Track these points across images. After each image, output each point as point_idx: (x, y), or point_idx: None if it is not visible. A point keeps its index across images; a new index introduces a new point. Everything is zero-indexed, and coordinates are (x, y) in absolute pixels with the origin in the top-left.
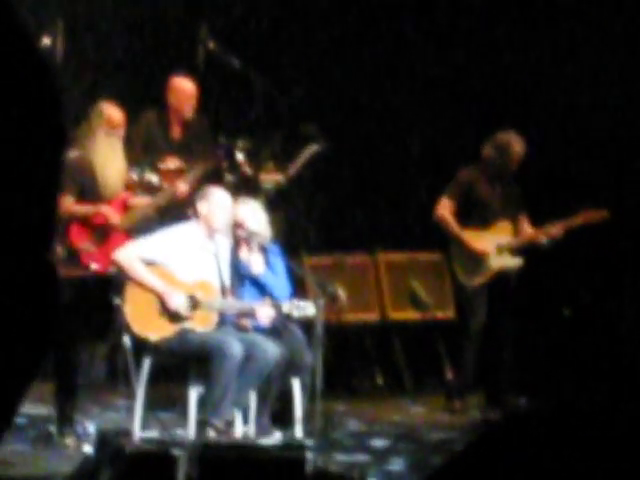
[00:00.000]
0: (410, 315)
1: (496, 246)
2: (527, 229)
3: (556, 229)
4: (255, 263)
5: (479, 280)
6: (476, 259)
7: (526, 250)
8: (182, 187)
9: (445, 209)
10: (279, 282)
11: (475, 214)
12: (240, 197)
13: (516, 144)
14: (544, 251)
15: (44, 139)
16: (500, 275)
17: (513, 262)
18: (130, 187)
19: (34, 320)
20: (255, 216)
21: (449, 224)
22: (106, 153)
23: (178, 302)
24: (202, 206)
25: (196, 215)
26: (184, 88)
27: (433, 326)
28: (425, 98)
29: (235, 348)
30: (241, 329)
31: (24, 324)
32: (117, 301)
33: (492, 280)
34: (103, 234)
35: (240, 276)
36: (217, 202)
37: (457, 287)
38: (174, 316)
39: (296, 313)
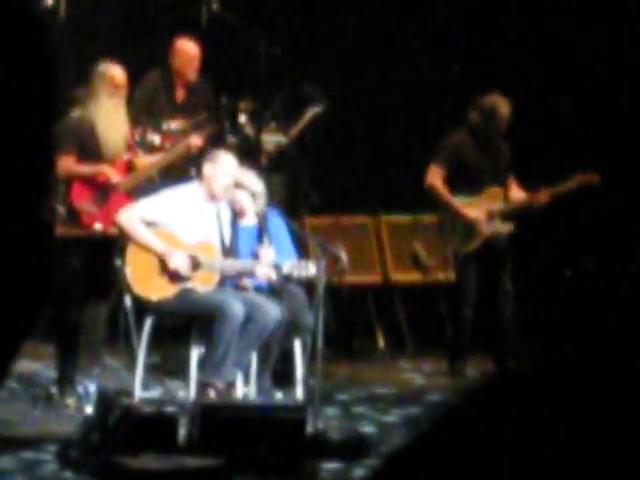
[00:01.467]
0: (412, 277)
1: (487, 212)
2: (517, 194)
3: (545, 195)
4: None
5: (471, 246)
6: (468, 226)
7: (517, 215)
8: (196, 140)
9: (435, 177)
10: (283, 247)
11: (465, 180)
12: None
13: (502, 106)
14: (535, 215)
15: (38, 95)
16: (491, 240)
17: (504, 227)
18: (132, 147)
19: (29, 278)
20: (253, 181)
21: (440, 192)
22: (109, 114)
23: (179, 262)
24: (207, 168)
25: (199, 176)
26: (187, 50)
27: (435, 288)
28: (425, 60)
29: (236, 309)
30: (241, 289)
31: (19, 282)
32: (118, 262)
33: (484, 245)
34: (104, 194)
35: (240, 238)
36: (222, 166)
37: (452, 254)
38: (175, 276)
39: (296, 273)
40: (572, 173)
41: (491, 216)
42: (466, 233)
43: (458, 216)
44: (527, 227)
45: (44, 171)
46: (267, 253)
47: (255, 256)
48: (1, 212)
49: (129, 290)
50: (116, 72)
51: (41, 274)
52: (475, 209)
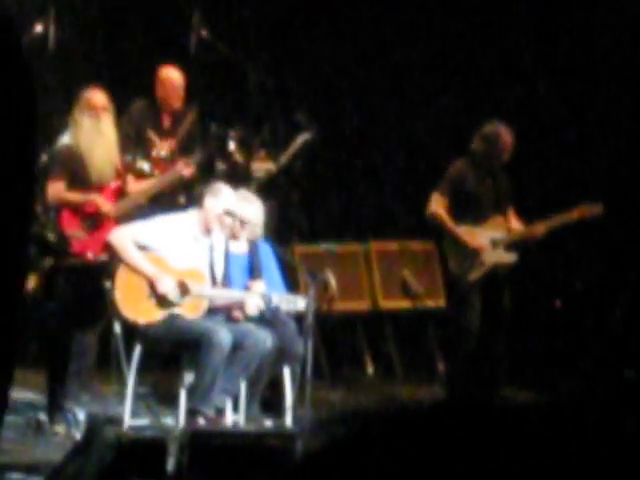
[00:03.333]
0: (401, 304)
1: (491, 241)
2: (516, 223)
3: (541, 228)
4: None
5: (475, 275)
6: (471, 254)
7: (519, 245)
8: (188, 169)
9: (438, 205)
10: (273, 279)
11: (467, 209)
12: (237, 187)
13: (505, 134)
14: (534, 245)
15: (17, 126)
16: (493, 270)
17: (508, 257)
18: (122, 175)
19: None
20: (250, 207)
21: (443, 220)
22: (91, 138)
23: (167, 287)
24: (208, 200)
25: (199, 207)
26: (171, 79)
27: (424, 315)
28: (417, 88)
29: (223, 336)
30: (232, 320)
31: None
32: (107, 285)
33: (486, 276)
34: (94, 221)
35: (231, 267)
36: (224, 201)
37: (451, 282)
38: (163, 301)
39: (285, 306)
40: (574, 204)
41: (495, 245)
42: (469, 262)
43: (462, 244)
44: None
45: (27, 206)
46: (258, 287)
47: (246, 288)
48: None
49: (117, 314)
50: (94, 95)
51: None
52: (479, 237)
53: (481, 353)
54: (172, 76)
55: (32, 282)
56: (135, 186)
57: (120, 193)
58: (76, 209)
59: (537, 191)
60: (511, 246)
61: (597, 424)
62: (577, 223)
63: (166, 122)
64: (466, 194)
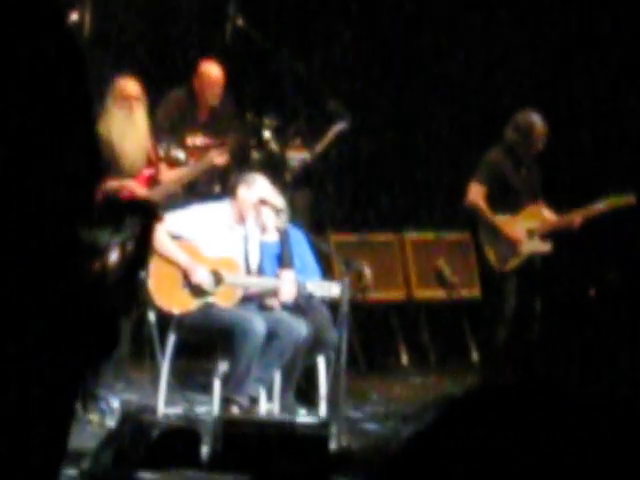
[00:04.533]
0: (436, 294)
1: (527, 231)
2: (548, 213)
3: (577, 217)
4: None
5: (511, 265)
6: (508, 244)
7: (555, 234)
8: (220, 157)
9: (476, 195)
10: (306, 265)
11: (505, 198)
12: (272, 176)
13: (538, 124)
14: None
15: (73, 117)
16: (529, 259)
17: (544, 247)
18: (156, 163)
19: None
20: (276, 197)
21: (482, 210)
22: (122, 127)
23: (202, 276)
24: (242, 190)
25: (232, 196)
26: (210, 74)
27: (459, 305)
28: (452, 80)
29: (258, 325)
30: (267, 309)
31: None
32: (141, 275)
33: (521, 265)
34: None
35: (264, 256)
36: (258, 190)
37: (486, 271)
38: (197, 291)
39: (319, 293)
40: (606, 193)
41: (531, 235)
42: (506, 251)
43: (498, 234)
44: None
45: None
46: (287, 275)
47: (276, 277)
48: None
49: (151, 303)
50: (126, 84)
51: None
52: (516, 227)
53: (515, 342)
54: (211, 72)
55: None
56: (168, 174)
57: (153, 181)
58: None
59: (567, 181)
60: (546, 236)
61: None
62: (610, 213)
63: (202, 116)
64: (503, 183)
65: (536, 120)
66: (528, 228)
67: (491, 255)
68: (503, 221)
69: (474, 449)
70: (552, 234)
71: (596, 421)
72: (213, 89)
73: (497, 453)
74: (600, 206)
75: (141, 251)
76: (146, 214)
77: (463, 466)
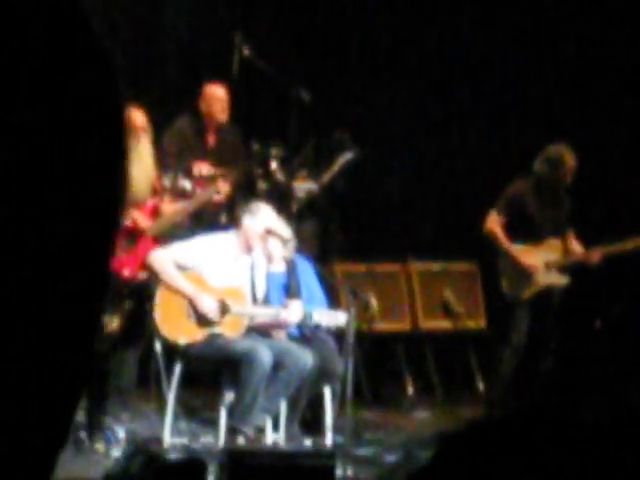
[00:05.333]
0: (442, 324)
1: (545, 263)
2: (575, 247)
3: (597, 255)
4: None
5: (525, 295)
6: (524, 274)
7: (574, 269)
8: (221, 188)
9: (494, 223)
10: (313, 294)
11: (524, 229)
12: (279, 207)
13: (568, 157)
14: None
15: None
16: (545, 291)
17: (560, 280)
18: (162, 193)
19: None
20: (283, 227)
21: (498, 238)
22: (129, 159)
23: (208, 305)
24: (247, 219)
25: (237, 226)
26: (215, 93)
27: (465, 336)
28: (461, 108)
29: (264, 355)
30: (273, 339)
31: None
32: (147, 306)
33: (537, 296)
34: (132, 240)
35: (270, 286)
36: (262, 219)
37: (499, 300)
38: (203, 320)
39: (326, 322)
40: (631, 234)
41: (548, 267)
42: (521, 281)
43: (515, 262)
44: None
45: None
46: (294, 306)
47: (284, 306)
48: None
49: (158, 334)
50: (134, 115)
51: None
52: (533, 258)
53: (526, 372)
54: (216, 91)
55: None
56: (169, 206)
57: (157, 212)
58: None
59: (598, 215)
60: (564, 269)
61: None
62: (633, 253)
63: (211, 139)
64: (524, 215)
65: (566, 153)
66: (546, 260)
67: (507, 284)
68: (521, 250)
69: None
70: (571, 268)
71: (600, 453)
72: (220, 106)
73: None
74: (624, 245)
75: (137, 326)
76: (141, 296)
77: None
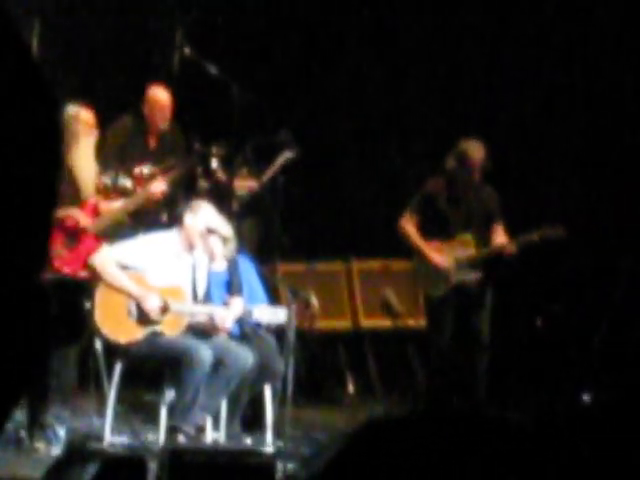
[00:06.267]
0: (382, 323)
1: (455, 260)
2: (500, 239)
3: (511, 246)
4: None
5: (439, 292)
6: (436, 271)
7: (489, 263)
8: (156, 188)
9: (407, 222)
10: (254, 293)
11: (436, 227)
12: (220, 205)
13: (474, 151)
14: (507, 264)
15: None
16: (461, 288)
17: (471, 276)
18: (103, 192)
19: (23, 340)
20: (224, 225)
21: (410, 237)
22: (87, 156)
23: (153, 304)
24: (188, 218)
25: (179, 225)
26: (159, 99)
27: (405, 334)
28: (406, 105)
29: (204, 354)
30: (213, 337)
31: (14, 343)
32: (87, 305)
33: (454, 292)
34: (74, 238)
35: (211, 284)
36: (203, 218)
37: (425, 299)
38: (143, 319)
39: (266, 318)
40: (539, 224)
41: (458, 263)
42: (434, 279)
43: (427, 261)
44: (498, 275)
45: (46, 232)
46: (236, 303)
47: (225, 305)
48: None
49: (98, 333)
50: (88, 114)
51: (35, 335)
52: (444, 255)
53: (460, 372)
54: (160, 97)
55: None
56: (110, 205)
57: (97, 210)
58: (55, 225)
59: (520, 206)
60: (476, 264)
61: (555, 445)
62: (541, 244)
63: (152, 141)
64: (435, 212)
65: (472, 147)
66: (456, 257)
67: (421, 282)
68: (432, 248)
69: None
70: (483, 262)
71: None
72: (162, 112)
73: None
74: (533, 236)
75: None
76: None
77: None
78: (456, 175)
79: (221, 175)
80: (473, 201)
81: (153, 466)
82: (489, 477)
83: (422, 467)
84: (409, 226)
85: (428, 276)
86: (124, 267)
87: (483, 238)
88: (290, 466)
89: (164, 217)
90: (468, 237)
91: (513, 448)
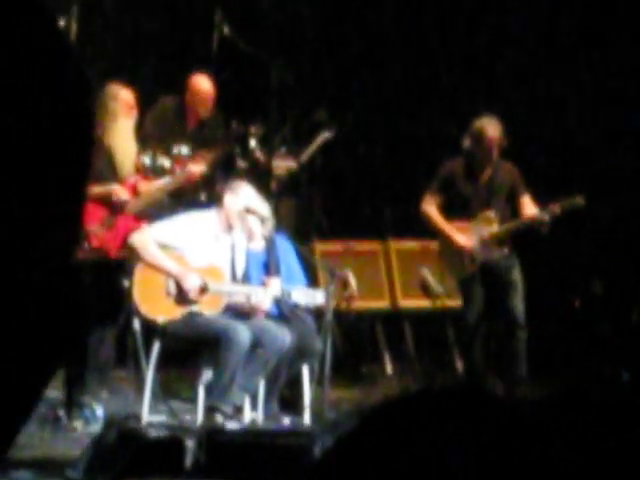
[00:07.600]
0: (420, 303)
1: (479, 239)
2: (529, 212)
3: (542, 214)
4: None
5: (464, 272)
6: (460, 252)
7: (520, 235)
8: (196, 169)
9: (429, 204)
10: (292, 272)
11: (457, 207)
12: (258, 185)
13: (489, 128)
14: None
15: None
16: (487, 266)
17: (497, 253)
18: (142, 171)
19: (52, 325)
20: (262, 205)
21: (432, 219)
22: (127, 135)
23: (194, 283)
24: (227, 198)
25: (218, 204)
26: (201, 89)
27: (443, 314)
28: (439, 89)
29: (242, 334)
30: (251, 317)
31: (43, 328)
32: (126, 284)
33: (481, 271)
34: (113, 217)
35: (250, 264)
36: (243, 198)
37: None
38: (182, 299)
39: (304, 300)
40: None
41: (483, 242)
42: (459, 259)
43: (450, 242)
44: (534, 252)
45: (78, 216)
46: (274, 284)
47: (263, 285)
48: (34, 259)
49: (137, 312)
50: (128, 94)
51: (64, 320)
52: (468, 235)
53: (498, 350)
54: (203, 87)
55: None
56: (148, 185)
57: (137, 190)
58: (95, 204)
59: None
60: (502, 240)
61: (589, 424)
62: (563, 216)
63: (191, 124)
64: (455, 193)
65: (488, 125)
66: (480, 235)
67: (446, 264)
68: (455, 229)
69: (388, 457)
70: (510, 237)
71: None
72: (204, 103)
73: (412, 461)
74: (554, 208)
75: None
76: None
77: (379, 472)
78: (474, 154)
79: (259, 155)
80: (493, 178)
81: (191, 445)
82: (497, 459)
83: (429, 449)
84: (431, 208)
85: (453, 257)
86: (163, 246)
87: (506, 215)
88: (328, 445)
89: (203, 197)
90: (491, 214)
91: (522, 432)
